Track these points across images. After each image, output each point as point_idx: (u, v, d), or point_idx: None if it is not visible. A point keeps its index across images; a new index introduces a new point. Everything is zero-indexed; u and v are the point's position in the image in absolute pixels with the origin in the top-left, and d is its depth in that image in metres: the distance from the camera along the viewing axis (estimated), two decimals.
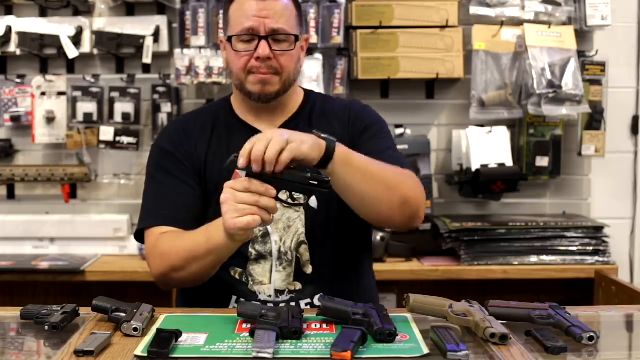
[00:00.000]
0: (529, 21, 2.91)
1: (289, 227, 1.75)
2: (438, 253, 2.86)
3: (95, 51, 2.95)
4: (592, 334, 1.34)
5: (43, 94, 2.94)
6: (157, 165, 1.81)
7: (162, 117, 2.94)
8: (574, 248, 2.78)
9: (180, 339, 1.34)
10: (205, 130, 1.83)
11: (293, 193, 1.54)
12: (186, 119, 1.93)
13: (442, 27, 2.89)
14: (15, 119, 2.94)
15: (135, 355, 1.28)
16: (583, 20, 2.92)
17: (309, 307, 1.73)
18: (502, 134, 2.93)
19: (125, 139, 2.94)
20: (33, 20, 2.94)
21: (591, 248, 2.78)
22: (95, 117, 2.94)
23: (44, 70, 3.00)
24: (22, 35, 2.91)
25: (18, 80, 2.97)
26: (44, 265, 2.75)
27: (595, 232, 2.81)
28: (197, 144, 1.80)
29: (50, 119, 2.93)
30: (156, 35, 2.92)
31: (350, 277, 1.81)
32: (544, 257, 2.76)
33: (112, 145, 2.94)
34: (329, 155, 1.52)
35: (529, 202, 3.08)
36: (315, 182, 1.48)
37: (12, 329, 1.53)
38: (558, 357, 1.29)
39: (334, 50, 2.94)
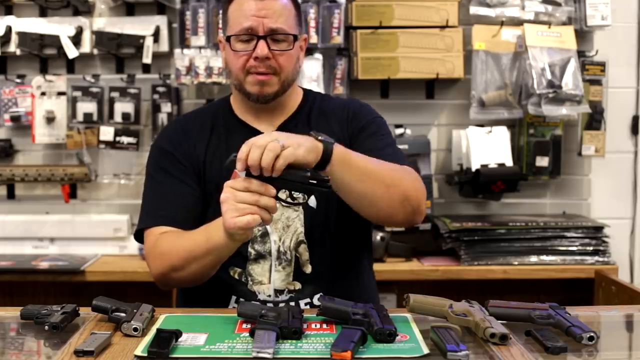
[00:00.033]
0: (529, 21, 2.91)
1: (288, 226, 1.75)
2: (438, 253, 2.86)
3: (95, 51, 2.95)
4: (592, 334, 1.34)
5: (43, 94, 2.94)
6: (157, 166, 1.81)
7: (162, 117, 2.94)
8: (574, 248, 2.78)
9: (180, 339, 1.34)
10: (205, 130, 1.83)
11: (292, 192, 1.54)
12: (185, 119, 1.93)
13: (442, 27, 2.89)
14: (15, 119, 2.95)
15: (135, 355, 1.28)
16: (583, 20, 2.92)
17: (308, 306, 1.73)
18: (502, 134, 2.93)
19: (125, 139, 2.94)
20: (33, 20, 2.94)
21: (591, 248, 2.78)
22: (95, 117, 2.95)
23: (44, 70, 3.00)
24: (22, 35, 2.92)
25: (18, 80, 2.97)
26: (44, 265, 2.75)
27: (595, 232, 2.81)
28: (196, 144, 1.80)
29: (50, 119, 2.93)
30: (156, 35, 2.92)
31: (349, 276, 1.81)
32: (544, 257, 2.76)
33: (112, 145, 2.94)
34: (326, 157, 1.52)
35: (529, 202, 3.08)
36: (315, 181, 1.48)
37: (12, 329, 1.53)
38: (558, 357, 1.29)
39: (334, 50, 2.94)
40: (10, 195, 3.05)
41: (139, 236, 1.80)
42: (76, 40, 2.90)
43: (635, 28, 3.08)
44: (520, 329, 1.40)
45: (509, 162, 2.90)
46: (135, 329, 1.37)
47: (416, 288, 1.89)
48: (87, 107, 2.94)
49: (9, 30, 2.91)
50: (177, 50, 2.88)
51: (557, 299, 1.72)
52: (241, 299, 1.73)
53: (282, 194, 1.54)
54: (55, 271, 2.71)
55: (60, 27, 2.91)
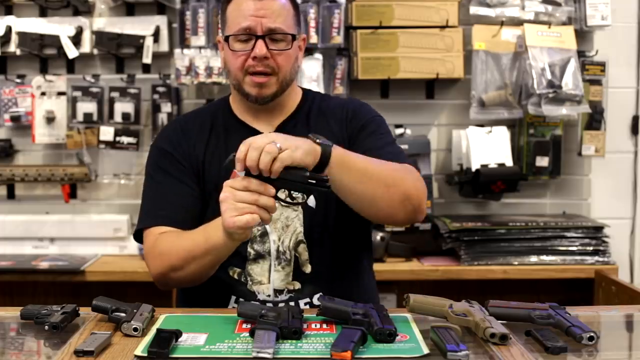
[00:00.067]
0: (529, 21, 2.91)
1: (287, 226, 1.75)
2: (438, 253, 2.86)
3: (95, 51, 2.95)
4: (592, 334, 1.34)
5: (43, 94, 2.94)
6: (156, 166, 1.81)
7: (162, 117, 2.94)
8: (574, 248, 2.78)
9: (180, 339, 1.34)
10: (204, 130, 1.83)
11: (291, 192, 1.54)
12: (185, 119, 1.93)
13: (442, 27, 2.89)
14: (15, 119, 2.95)
15: (135, 355, 1.28)
16: (583, 20, 2.92)
17: (308, 306, 1.73)
18: (502, 134, 2.93)
19: (125, 139, 2.94)
20: (33, 20, 2.94)
21: (591, 248, 2.78)
22: (95, 117, 2.95)
23: (44, 70, 3.00)
24: (22, 35, 2.92)
25: (18, 80, 2.97)
26: (44, 265, 2.75)
27: (595, 232, 2.81)
28: (196, 144, 1.81)
29: (50, 119, 2.93)
30: (156, 35, 2.93)
31: (349, 276, 1.81)
32: (544, 257, 2.76)
33: (112, 145, 2.95)
34: (324, 160, 1.52)
35: (529, 202, 3.08)
36: (314, 181, 1.48)
37: (12, 329, 1.53)
38: (558, 357, 1.29)
39: (334, 50, 2.94)
40: (10, 195, 3.05)
41: (138, 236, 1.80)
42: (76, 40, 2.90)
43: (635, 28, 3.08)
44: (520, 329, 1.40)
45: (509, 162, 2.90)
46: (135, 329, 1.37)
47: (416, 288, 1.89)
48: (87, 107, 2.94)
49: (9, 30, 2.91)
50: (177, 50, 2.88)
51: (557, 299, 1.72)
52: (241, 299, 1.73)
53: (281, 194, 1.54)
54: (55, 271, 2.71)
55: (60, 27, 2.91)
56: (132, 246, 2.90)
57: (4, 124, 2.97)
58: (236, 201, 1.47)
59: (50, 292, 2.85)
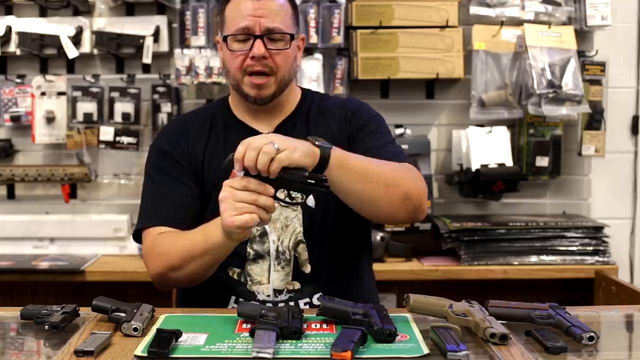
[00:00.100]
0: (529, 21, 2.91)
1: (286, 226, 1.75)
2: (438, 253, 2.86)
3: (95, 51, 2.95)
4: (592, 334, 1.34)
5: (43, 94, 2.94)
6: (155, 166, 1.81)
7: (162, 117, 2.94)
8: (574, 248, 2.78)
9: (180, 339, 1.34)
10: (203, 130, 1.83)
11: (291, 192, 1.54)
12: (184, 119, 1.93)
13: (442, 27, 2.89)
14: (15, 119, 2.95)
15: (135, 355, 1.28)
16: (583, 20, 2.92)
17: (307, 306, 1.73)
18: (502, 134, 2.93)
19: (125, 139, 2.94)
20: (33, 20, 2.94)
21: (591, 248, 2.78)
22: (95, 117, 2.95)
23: (44, 70, 3.00)
24: (22, 35, 2.92)
25: (18, 80, 2.97)
26: (44, 265, 2.75)
27: (595, 232, 2.81)
28: (195, 144, 1.81)
29: (50, 119, 2.93)
30: (156, 35, 2.93)
31: (349, 276, 1.81)
32: (544, 257, 2.76)
33: (112, 145, 2.95)
34: (324, 162, 1.52)
35: (529, 202, 3.08)
36: (313, 181, 1.48)
37: (12, 329, 1.53)
38: (558, 357, 1.29)
39: (334, 50, 2.94)
40: (10, 195, 3.05)
41: (137, 236, 1.80)
42: (76, 40, 2.90)
43: (635, 28, 3.08)
44: (520, 329, 1.40)
45: (509, 162, 2.90)
46: (135, 329, 1.37)
47: (416, 288, 1.89)
48: (87, 107, 2.94)
49: (9, 30, 2.91)
50: (177, 50, 2.88)
51: (557, 299, 1.72)
52: (240, 299, 1.73)
53: (281, 194, 1.54)
54: (55, 271, 2.71)
55: (60, 27, 2.91)
56: (132, 246, 2.90)
57: (4, 124, 2.97)
58: (235, 201, 1.47)
59: (50, 292, 2.85)
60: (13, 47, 2.93)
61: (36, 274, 2.72)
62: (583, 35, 2.98)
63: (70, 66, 3.00)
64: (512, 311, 1.47)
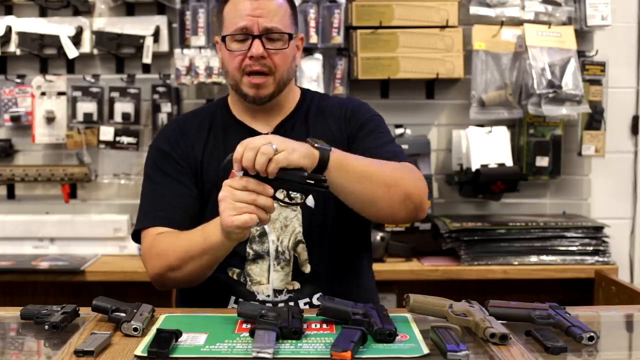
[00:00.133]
0: (529, 21, 2.91)
1: (286, 226, 1.75)
2: (438, 253, 2.86)
3: (95, 51, 2.95)
4: (592, 334, 1.34)
5: (43, 94, 2.94)
6: (154, 166, 1.81)
7: (162, 117, 2.94)
8: (574, 248, 2.78)
9: (180, 339, 1.34)
10: (202, 130, 1.83)
11: (290, 192, 1.54)
12: (183, 119, 1.93)
13: (442, 27, 2.89)
14: (15, 119, 2.95)
15: (135, 355, 1.28)
16: (583, 20, 2.92)
17: (307, 306, 1.73)
18: (502, 134, 2.93)
19: (125, 139, 2.94)
20: (33, 20, 2.94)
21: (591, 248, 2.78)
22: (95, 117, 2.95)
23: (44, 70, 3.00)
24: (22, 35, 2.91)
25: (18, 80, 2.97)
26: (44, 265, 2.75)
27: (595, 232, 2.81)
28: (194, 144, 1.81)
29: (50, 119, 2.93)
30: (156, 35, 2.92)
31: (348, 276, 1.81)
32: (544, 257, 2.76)
33: (112, 145, 2.95)
34: (323, 164, 1.52)
35: (529, 202, 3.08)
36: (312, 182, 1.48)
37: (12, 329, 1.53)
38: (558, 357, 1.29)
39: (334, 50, 2.94)
40: (10, 195, 3.05)
41: (136, 237, 1.80)
42: (76, 40, 2.90)
43: (635, 28, 3.08)
44: (520, 329, 1.40)
45: (509, 162, 2.90)
46: (135, 329, 1.37)
47: (416, 288, 1.89)
48: (87, 107, 2.94)
49: (9, 30, 2.91)
50: (177, 50, 2.88)
51: (557, 299, 1.72)
52: (240, 300, 1.73)
53: (280, 194, 1.54)
54: (55, 271, 2.71)
55: (60, 27, 2.91)
56: (132, 246, 2.90)
57: (4, 124, 2.97)
58: (235, 200, 1.47)
59: (50, 292, 2.85)
60: (13, 47, 2.93)
61: (36, 274, 2.72)
62: (583, 35, 2.98)
63: (70, 66, 3.00)
64: (512, 311, 1.47)
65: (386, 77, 2.91)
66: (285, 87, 1.79)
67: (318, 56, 2.89)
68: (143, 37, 2.91)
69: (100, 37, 2.92)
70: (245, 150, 1.45)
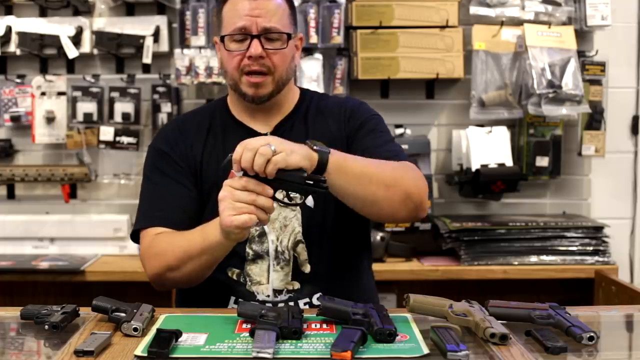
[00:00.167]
0: (529, 21, 2.91)
1: (285, 226, 1.75)
2: (438, 253, 2.86)
3: (95, 51, 2.95)
4: (592, 334, 1.34)
5: (43, 94, 2.94)
6: (153, 166, 1.81)
7: (162, 117, 2.94)
8: (574, 248, 2.78)
9: (180, 339, 1.34)
10: (202, 130, 1.83)
11: (290, 192, 1.54)
12: (182, 119, 1.93)
13: (442, 27, 2.89)
14: (15, 119, 2.94)
15: (135, 355, 1.28)
16: (583, 20, 2.92)
17: (307, 306, 1.73)
18: (502, 134, 2.93)
19: (125, 139, 2.94)
20: (33, 20, 2.94)
21: (591, 248, 2.78)
22: (95, 117, 2.95)
23: (44, 70, 3.00)
24: (22, 35, 2.91)
25: (18, 80, 2.97)
26: (44, 265, 2.75)
27: (595, 232, 2.81)
28: (193, 144, 1.81)
29: (50, 119, 2.93)
30: (156, 35, 2.92)
31: (348, 276, 1.81)
32: (544, 257, 2.76)
33: (112, 145, 2.95)
34: (321, 166, 1.52)
35: (529, 202, 3.08)
36: (312, 182, 1.48)
37: (12, 329, 1.53)
38: (558, 357, 1.29)
39: (334, 50, 2.94)
40: (10, 195, 3.05)
41: (135, 237, 1.80)
42: (76, 40, 2.90)
43: (635, 28, 3.08)
44: (520, 329, 1.40)
45: (509, 162, 2.90)
46: (135, 329, 1.37)
47: (416, 288, 1.89)
48: (87, 107, 2.94)
49: (9, 30, 2.91)
50: (177, 50, 2.88)
51: (557, 299, 1.72)
52: (240, 300, 1.73)
53: (279, 194, 1.54)
54: (55, 271, 2.71)
55: (60, 27, 2.91)
56: (132, 246, 2.90)
57: (4, 124, 2.97)
58: (234, 200, 1.47)
59: (50, 292, 2.85)
60: (13, 47, 2.93)
61: (36, 274, 2.71)
62: (583, 35, 2.98)
63: (70, 66, 3.00)
64: (512, 311, 1.47)
65: (386, 77, 2.91)
66: (284, 86, 1.79)
67: (318, 56, 2.89)
68: (143, 37, 2.91)
69: (100, 37, 2.92)
70: (244, 151, 1.45)
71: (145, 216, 1.77)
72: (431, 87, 3.04)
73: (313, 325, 1.43)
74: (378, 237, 2.76)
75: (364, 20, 2.88)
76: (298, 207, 1.74)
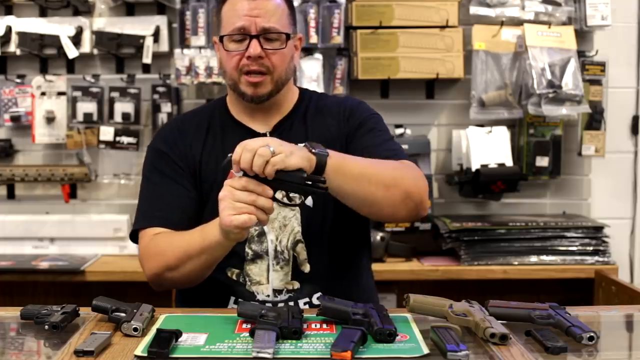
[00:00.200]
0: (529, 21, 2.91)
1: (284, 225, 1.75)
2: (438, 253, 2.86)
3: (95, 51, 2.95)
4: (592, 334, 1.34)
5: (43, 94, 2.94)
6: (152, 167, 1.81)
7: (162, 117, 2.94)
8: (574, 248, 2.77)
9: (180, 339, 1.34)
10: (201, 130, 1.83)
11: (289, 193, 1.54)
12: (181, 120, 1.93)
13: (442, 27, 2.89)
14: (15, 119, 2.94)
15: (135, 355, 1.28)
16: (583, 20, 2.92)
17: (307, 306, 1.73)
18: (502, 134, 2.93)
19: (125, 139, 2.94)
20: (33, 20, 2.94)
21: (591, 248, 2.78)
22: (95, 117, 2.95)
23: (44, 70, 3.00)
24: (22, 35, 2.91)
25: (18, 80, 2.97)
26: (44, 265, 2.75)
27: (595, 232, 2.81)
28: (192, 144, 1.81)
29: (50, 119, 2.93)
30: (156, 35, 2.92)
31: (348, 276, 1.81)
32: (544, 257, 2.76)
33: (112, 145, 2.95)
34: (320, 168, 1.52)
35: (529, 202, 3.08)
36: (311, 182, 1.48)
37: (12, 329, 1.53)
38: (558, 357, 1.29)
39: (334, 50, 2.94)
40: (10, 195, 3.05)
41: (134, 237, 1.80)
42: (76, 40, 2.90)
43: (635, 28, 3.08)
44: (520, 329, 1.40)
45: (509, 162, 2.90)
46: (135, 329, 1.37)
47: (416, 288, 1.89)
48: (87, 107, 2.94)
49: (9, 30, 2.91)
50: (177, 50, 2.88)
51: (557, 299, 1.72)
52: (240, 300, 1.73)
53: (279, 194, 1.54)
54: (55, 271, 2.71)
55: (60, 27, 2.91)
56: (132, 246, 2.88)
57: (4, 124, 2.97)
58: (234, 200, 1.47)
59: (50, 292, 2.85)
60: (13, 47, 2.93)
61: (36, 274, 2.71)
62: (583, 35, 2.98)
63: (70, 66, 3.00)
64: (512, 311, 1.47)
65: (386, 77, 2.91)
66: (284, 86, 1.79)
67: (318, 56, 2.89)
68: (143, 37, 2.91)
69: (100, 37, 2.92)
70: (243, 152, 1.46)
71: (144, 216, 1.77)
72: (431, 87, 3.04)
73: (313, 325, 1.43)
74: (378, 237, 2.76)
75: (364, 20, 2.88)
76: (297, 207, 1.74)
